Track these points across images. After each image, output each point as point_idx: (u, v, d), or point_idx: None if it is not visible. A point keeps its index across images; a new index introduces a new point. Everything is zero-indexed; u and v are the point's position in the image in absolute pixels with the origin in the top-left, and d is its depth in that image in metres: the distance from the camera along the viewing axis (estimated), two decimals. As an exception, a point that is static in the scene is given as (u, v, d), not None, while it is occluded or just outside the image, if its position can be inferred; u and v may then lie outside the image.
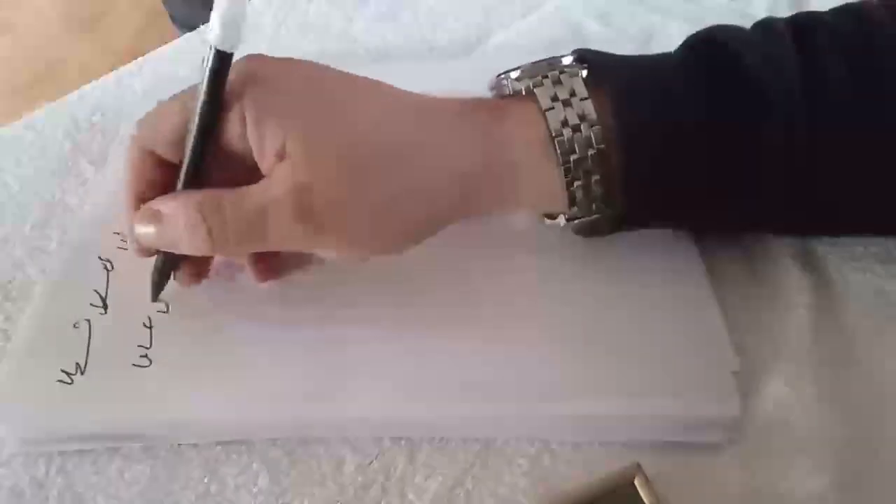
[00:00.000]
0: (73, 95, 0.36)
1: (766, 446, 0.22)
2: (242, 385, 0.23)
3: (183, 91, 0.22)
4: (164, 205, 0.22)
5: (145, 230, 0.22)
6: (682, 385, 0.22)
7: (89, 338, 0.24)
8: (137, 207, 0.23)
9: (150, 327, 0.25)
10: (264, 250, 0.22)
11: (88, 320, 0.25)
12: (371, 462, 0.23)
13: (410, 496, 0.22)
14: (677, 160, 0.22)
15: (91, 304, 0.25)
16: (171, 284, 0.25)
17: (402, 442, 0.23)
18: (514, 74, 0.23)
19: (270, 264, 0.25)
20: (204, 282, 0.26)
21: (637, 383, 0.23)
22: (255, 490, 0.22)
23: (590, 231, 0.25)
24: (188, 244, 0.21)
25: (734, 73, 0.22)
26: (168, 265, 0.24)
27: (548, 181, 0.22)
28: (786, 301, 0.25)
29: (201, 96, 0.21)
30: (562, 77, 0.22)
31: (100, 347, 0.24)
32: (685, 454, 0.22)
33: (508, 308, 0.25)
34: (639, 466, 0.20)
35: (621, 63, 0.23)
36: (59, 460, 0.23)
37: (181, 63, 0.38)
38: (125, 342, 0.24)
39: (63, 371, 0.23)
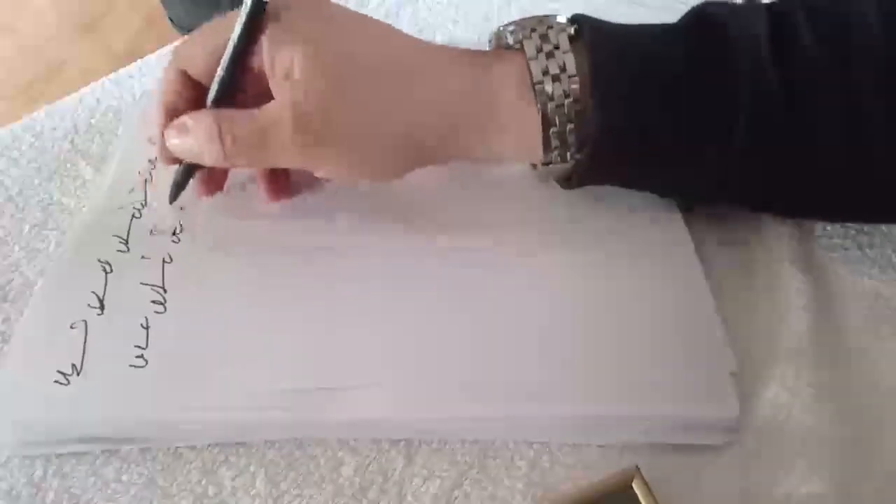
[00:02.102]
0: (72, 97, 0.36)
1: (764, 448, 0.22)
2: (239, 386, 0.23)
3: (220, 19, 0.25)
4: (191, 118, 0.25)
5: (174, 140, 0.25)
6: (680, 386, 0.22)
7: (86, 339, 0.24)
8: (168, 120, 0.25)
9: (147, 328, 0.25)
10: (270, 165, 0.25)
11: (85, 321, 0.25)
12: (369, 464, 0.23)
13: (409, 498, 0.22)
14: (648, 111, 0.23)
15: (88, 306, 0.25)
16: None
17: (401, 444, 0.23)
18: (510, 28, 0.25)
19: (281, 184, 0.28)
20: (198, 281, 0.26)
21: (635, 385, 0.23)
22: (252, 492, 0.22)
23: (566, 179, 0.26)
24: (207, 154, 0.24)
25: (713, 35, 0.23)
26: (186, 176, 0.27)
27: (527, 126, 0.24)
28: (784, 303, 0.25)
29: (238, 27, 0.23)
30: (549, 32, 0.24)
31: (96, 348, 0.24)
32: (684, 456, 0.22)
33: (507, 310, 0.25)
34: (637, 468, 0.20)
35: (607, 25, 0.25)
36: (56, 462, 0.23)
37: (180, 65, 0.38)
38: (122, 343, 0.24)
39: (59, 372, 0.23)
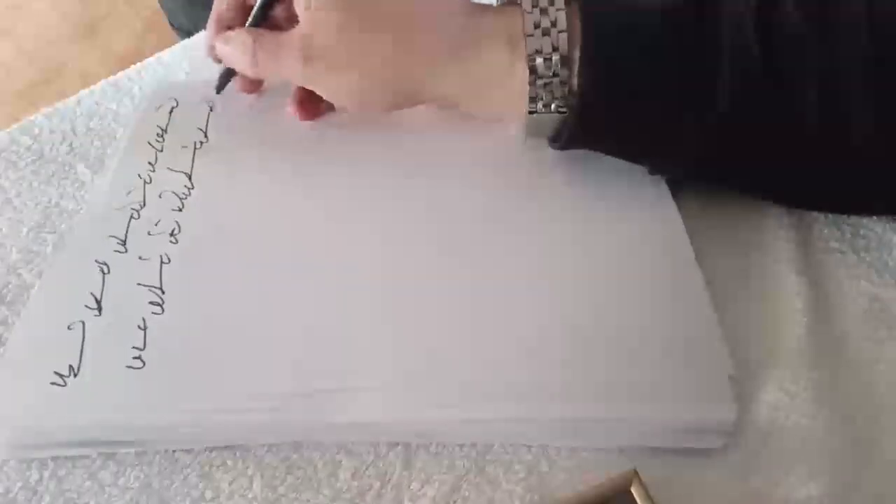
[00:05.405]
0: (71, 100, 0.36)
1: (762, 451, 0.22)
2: (237, 388, 0.23)
3: None
4: (234, 32, 0.30)
5: (220, 47, 0.30)
6: (678, 390, 0.22)
7: (83, 339, 0.24)
8: (218, 30, 0.31)
9: (145, 329, 0.24)
10: (284, 78, 0.29)
11: (82, 322, 0.25)
12: (367, 468, 0.23)
13: (407, 503, 0.22)
14: (632, 70, 0.24)
15: (86, 307, 0.25)
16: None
17: (399, 448, 0.23)
18: None
19: (310, 107, 0.33)
20: (196, 282, 0.26)
21: (633, 387, 0.23)
22: (249, 496, 0.22)
23: (553, 139, 0.27)
24: (240, 62, 0.30)
25: (701, 6, 0.24)
26: (228, 74, 0.33)
27: (514, 76, 0.26)
28: (781, 306, 0.25)
29: None
30: None
31: (93, 349, 0.24)
32: (682, 460, 0.22)
33: (503, 312, 0.25)
34: (636, 472, 0.20)
35: None
36: (52, 466, 0.23)
37: (180, 68, 0.38)
38: (119, 344, 0.24)
39: (56, 373, 0.23)
